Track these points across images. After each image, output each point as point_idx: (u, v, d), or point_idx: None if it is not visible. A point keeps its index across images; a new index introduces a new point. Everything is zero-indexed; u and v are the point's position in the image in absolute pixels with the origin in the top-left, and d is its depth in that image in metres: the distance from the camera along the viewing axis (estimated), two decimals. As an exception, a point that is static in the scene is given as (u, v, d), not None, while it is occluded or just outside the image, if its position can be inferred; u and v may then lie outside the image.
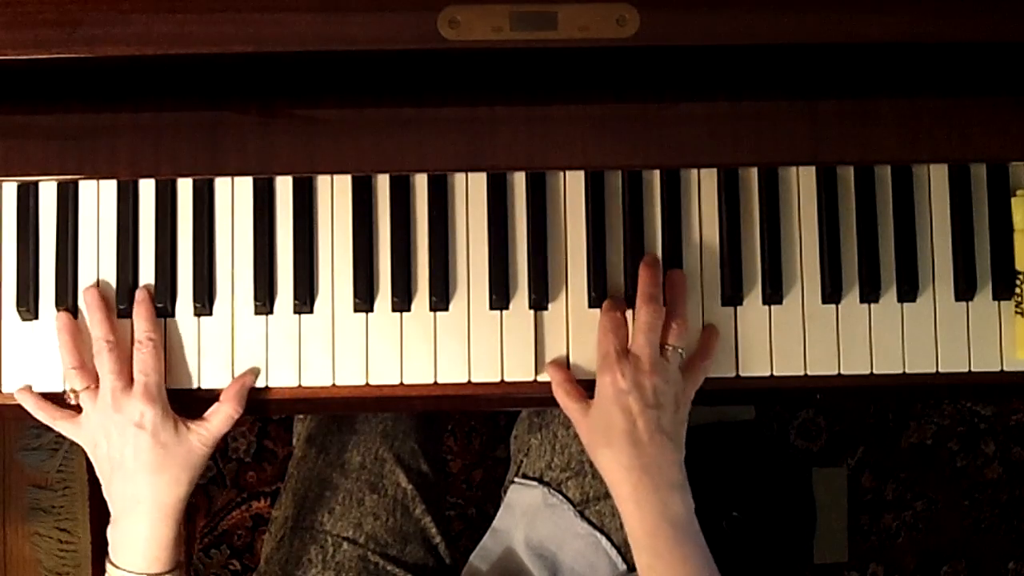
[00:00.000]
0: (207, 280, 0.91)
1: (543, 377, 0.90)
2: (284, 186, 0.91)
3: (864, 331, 0.91)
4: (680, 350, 0.87)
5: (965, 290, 0.91)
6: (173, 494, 0.86)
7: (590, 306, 0.91)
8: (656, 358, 0.84)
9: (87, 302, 0.89)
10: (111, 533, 0.88)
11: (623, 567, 0.99)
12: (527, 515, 1.03)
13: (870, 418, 1.72)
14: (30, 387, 0.90)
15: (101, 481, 0.88)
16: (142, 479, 0.85)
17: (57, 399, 0.90)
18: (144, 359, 0.87)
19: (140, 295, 0.90)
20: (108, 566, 0.87)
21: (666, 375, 0.84)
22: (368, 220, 0.91)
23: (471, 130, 0.89)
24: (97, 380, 0.87)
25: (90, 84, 0.88)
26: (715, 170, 0.92)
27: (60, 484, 1.61)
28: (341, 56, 0.85)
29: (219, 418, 0.88)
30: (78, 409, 0.88)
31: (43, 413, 0.89)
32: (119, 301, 0.90)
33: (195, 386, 0.90)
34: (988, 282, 0.92)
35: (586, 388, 0.88)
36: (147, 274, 0.91)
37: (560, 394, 0.88)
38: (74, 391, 0.88)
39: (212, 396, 0.89)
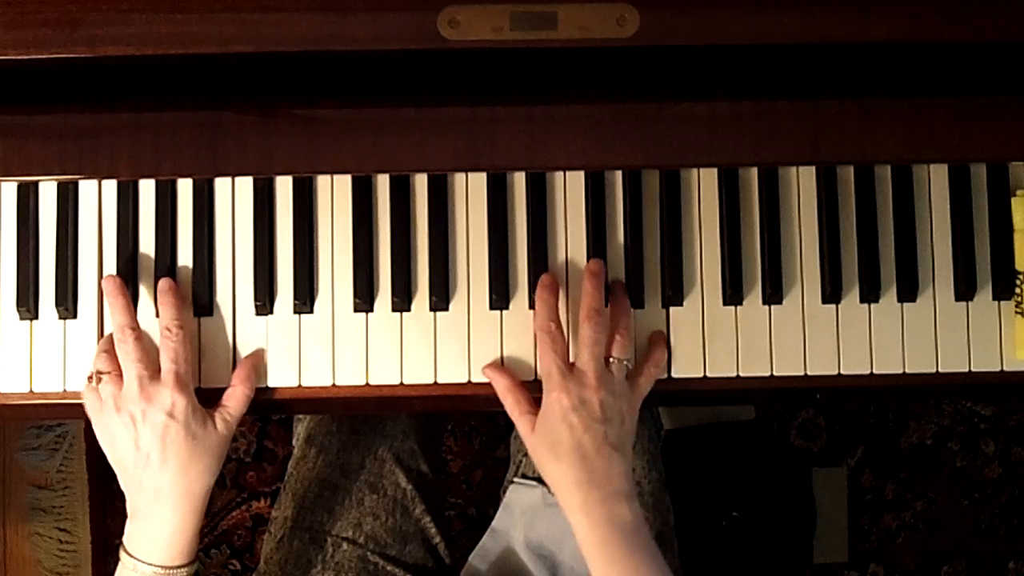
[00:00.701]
0: (207, 280, 0.90)
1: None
2: (284, 186, 0.91)
3: (864, 331, 0.91)
4: (625, 362, 0.86)
5: (965, 290, 0.91)
6: (203, 483, 0.85)
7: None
8: (601, 372, 0.84)
9: (108, 290, 0.88)
10: (131, 526, 0.86)
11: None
12: (526, 515, 1.03)
13: (870, 418, 1.72)
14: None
15: (118, 472, 0.87)
16: (171, 470, 0.84)
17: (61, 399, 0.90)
18: (173, 347, 0.86)
19: (164, 285, 0.89)
20: (124, 557, 0.86)
21: (612, 388, 0.84)
22: (368, 220, 0.91)
23: (471, 130, 0.89)
24: (118, 367, 0.86)
25: (90, 84, 0.88)
26: (715, 170, 0.92)
27: (60, 484, 1.61)
28: (341, 56, 0.85)
29: (235, 400, 0.87)
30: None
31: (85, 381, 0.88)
32: (119, 301, 0.90)
33: (196, 385, 0.90)
34: (988, 282, 0.92)
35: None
36: (147, 274, 0.91)
37: (509, 402, 0.87)
38: (99, 374, 0.86)
39: (213, 395, 0.89)
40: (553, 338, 0.86)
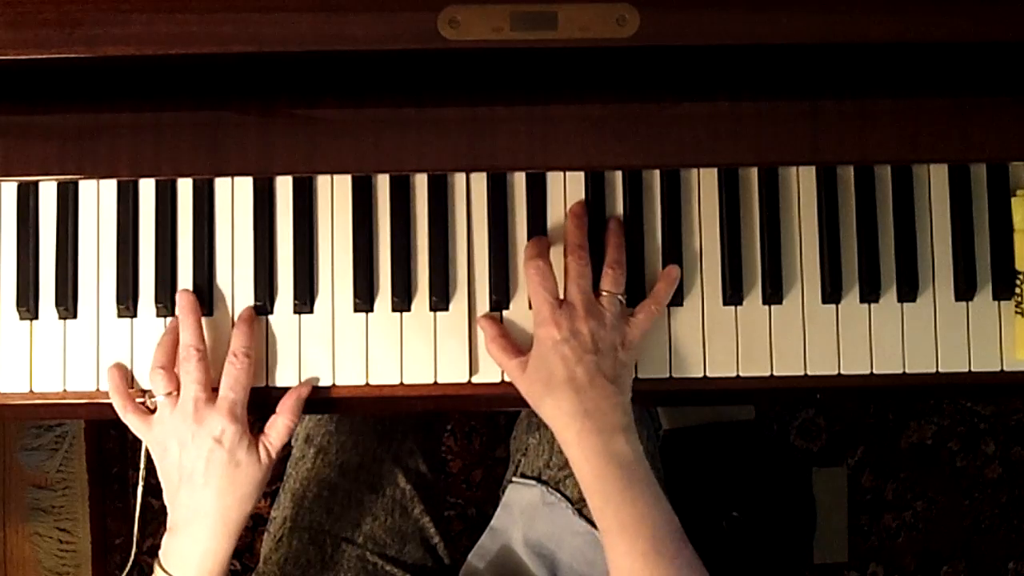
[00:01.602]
0: (207, 280, 0.90)
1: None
2: (284, 186, 0.91)
3: (864, 331, 0.91)
4: (619, 296, 0.87)
5: (965, 290, 0.91)
6: (240, 511, 0.86)
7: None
8: (590, 304, 0.85)
9: (181, 306, 0.88)
10: (168, 541, 0.87)
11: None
12: (525, 514, 1.03)
13: (870, 418, 1.72)
14: (121, 366, 0.89)
15: (164, 485, 0.87)
16: (211, 494, 0.85)
17: (63, 399, 0.90)
18: (236, 375, 0.86)
19: (246, 312, 0.89)
20: (158, 570, 0.86)
21: (602, 320, 0.85)
22: (368, 220, 0.91)
23: (471, 130, 0.89)
24: (178, 385, 0.86)
25: (90, 84, 0.88)
26: (715, 170, 0.92)
27: (60, 484, 1.61)
28: (341, 56, 0.85)
29: (277, 431, 0.88)
30: (151, 410, 0.87)
31: (119, 399, 0.88)
32: (119, 301, 0.90)
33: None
34: (988, 282, 0.92)
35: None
36: (147, 274, 0.91)
37: (494, 349, 0.88)
38: (153, 393, 0.87)
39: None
40: (543, 274, 0.86)
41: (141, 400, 0.88)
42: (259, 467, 0.86)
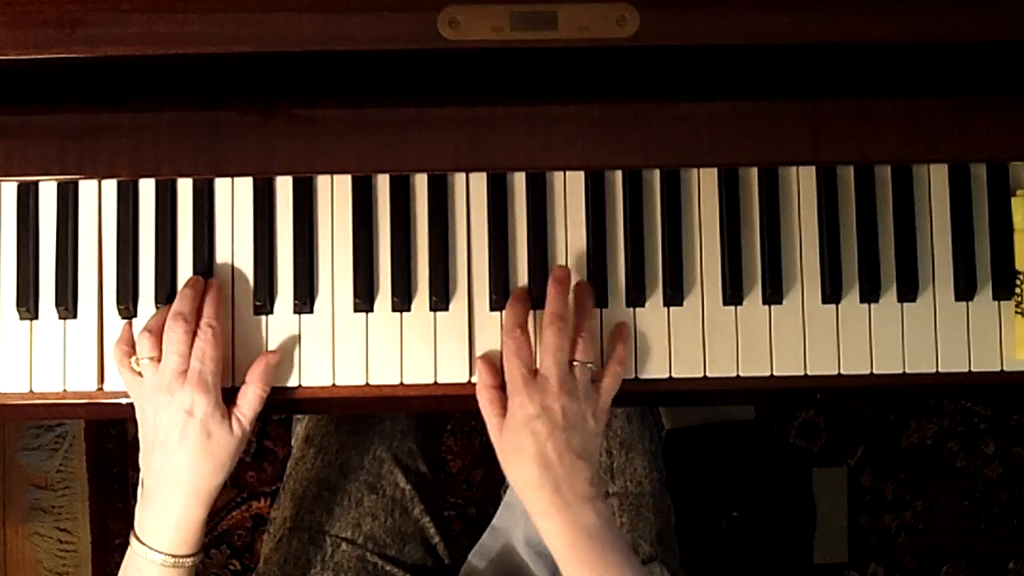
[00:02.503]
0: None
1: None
2: (284, 186, 0.91)
3: (864, 331, 0.91)
4: (589, 364, 0.86)
5: (965, 290, 0.91)
6: (213, 481, 0.86)
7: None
8: (564, 378, 0.84)
9: (188, 281, 0.89)
10: (140, 509, 0.87)
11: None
12: (526, 513, 1.03)
13: (870, 418, 1.72)
14: (132, 324, 0.90)
15: (141, 447, 0.87)
16: (183, 462, 0.85)
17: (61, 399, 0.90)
18: (201, 346, 0.86)
19: (214, 282, 0.90)
20: (133, 541, 0.86)
21: (575, 394, 0.84)
22: (368, 220, 0.91)
23: (471, 130, 0.89)
24: (160, 352, 0.86)
25: (90, 84, 0.88)
26: (715, 170, 0.92)
27: (60, 484, 1.61)
28: (341, 56, 0.85)
29: (249, 400, 0.88)
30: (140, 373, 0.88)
31: (118, 352, 0.88)
32: (119, 301, 0.90)
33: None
34: (988, 282, 0.92)
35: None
36: (147, 274, 0.91)
37: (484, 399, 0.87)
38: (140, 357, 0.87)
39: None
40: (518, 343, 0.86)
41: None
42: (232, 438, 0.86)
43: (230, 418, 0.86)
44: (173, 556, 0.85)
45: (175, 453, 0.85)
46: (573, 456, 0.83)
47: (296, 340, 0.90)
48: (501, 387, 0.88)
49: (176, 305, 0.87)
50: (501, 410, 0.86)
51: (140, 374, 0.87)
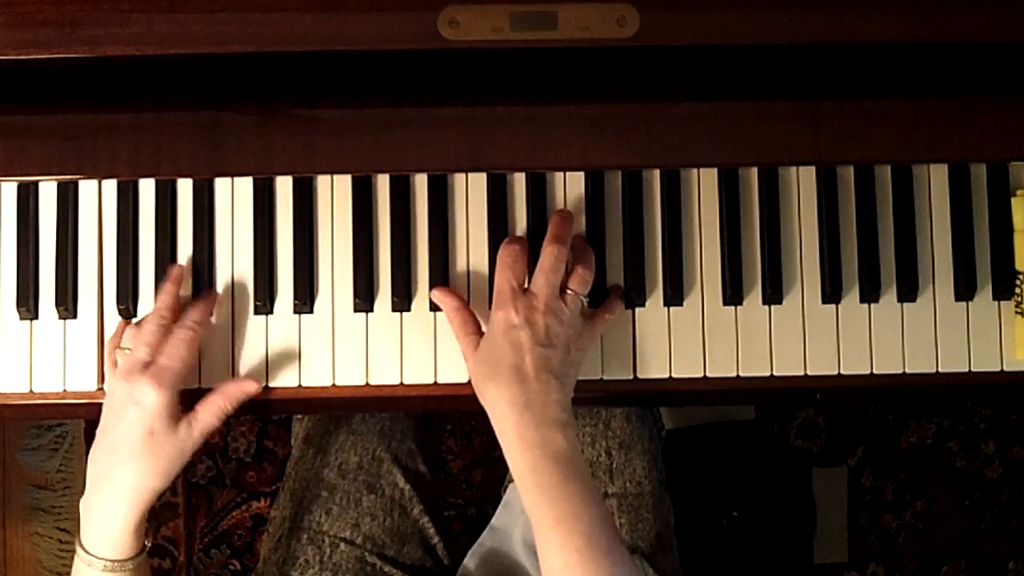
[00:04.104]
0: (207, 280, 0.90)
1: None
2: (284, 186, 0.91)
3: (864, 331, 0.92)
4: (582, 297, 0.86)
5: (965, 290, 0.91)
6: (145, 483, 0.84)
7: (589, 306, 0.91)
8: (552, 298, 0.84)
9: (170, 273, 0.89)
10: (82, 509, 0.86)
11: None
12: (526, 513, 1.03)
13: (870, 418, 1.72)
14: (128, 323, 0.90)
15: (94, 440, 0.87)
16: (119, 458, 0.84)
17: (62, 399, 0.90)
18: (176, 344, 0.85)
19: (211, 292, 0.90)
20: (77, 547, 0.86)
21: (561, 316, 0.84)
22: (368, 220, 0.91)
23: (471, 130, 0.89)
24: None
25: (90, 84, 0.88)
26: (715, 170, 0.92)
27: (60, 484, 1.61)
28: (341, 56, 0.85)
29: (209, 408, 0.87)
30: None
31: (109, 346, 0.89)
32: (119, 301, 0.90)
33: (196, 385, 0.90)
34: (988, 282, 0.92)
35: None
36: (147, 274, 0.91)
37: (456, 321, 0.88)
38: (121, 347, 0.87)
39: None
40: (514, 256, 0.86)
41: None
42: (175, 441, 0.84)
43: (179, 421, 0.85)
44: (112, 561, 0.84)
45: (112, 447, 0.84)
46: (549, 375, 0.82)
47: (296, 340, 0.90)
48: (467, 307, 0.88)
49: (158, 300, 0.88)
50: (475, 329, 0.87)
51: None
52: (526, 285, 0.86)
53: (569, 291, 0.86)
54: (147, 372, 0.84)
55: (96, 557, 0.85)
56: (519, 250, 0.87)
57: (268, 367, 0.90)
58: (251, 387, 0.89)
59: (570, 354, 0.85)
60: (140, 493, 0.84)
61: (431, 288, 0.90)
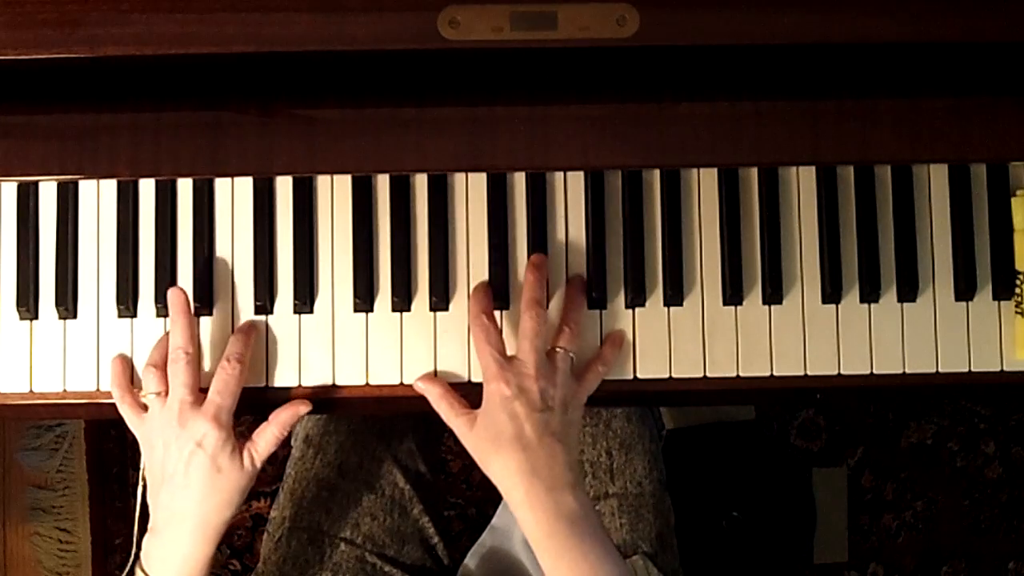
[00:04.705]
0: (207, 280, 0.90)
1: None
2: (284, 186, 0.91)
3: (864, 331, 0.91)
4: (571, 354, 0.86)
5: (965, 290, 0.91)
6: (221, 516, 0.85)
7: (589, 307, 0.91)
8: (541, 362, 0.84)
9: (172, 304, 0.88)
10: (148, 541, 0.87)
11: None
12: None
13: (870, 418, 1.72)
14: (125, 358, 0.89)
15: (148, 484, 0.87)
16: (192, 497, 0.84)
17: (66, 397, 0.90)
18: (226, 379, 0.86)
19: (246, 324, 0.90)
20: (139, 572, 0.86)
21: (553, 378, 0.84)
22: (368, 220, 0.91)
23: (471, 130, 0.89)
24: (167, 386, 0.86)
25: (90, 84, 0.88)
26: (715, 170, 0.92)
27: (60, 484, 1.61)
28: (341, 56, 0.85)
29: (266, 439, 0.88)
30: (145, 407, 0.88)
31: (117, 390, 0.88)
32: (119, 301, 0.90)
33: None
34: (988, 282, 0.92)
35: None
36: (147, 274, 0.91)
37: (443, 408, 0.87)
38: (144, 393, 0.87)
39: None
40: (487, 330, 0.86)
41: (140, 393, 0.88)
42: (241, 473, 0.86)
43: (241, 453, 0.86)
44: None
45: (182, 488, 0.84)
46: (552, 439, 0.82)
47: (296, 340, 0.90)
48: (450, 390, 0.88)
49: (174, 339, 0.87)
50: (462, 408, 0.86)
51: (144, 408, 0.87)
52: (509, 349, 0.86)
53: (558, 350, 0.86)
54: (202, 412, 0.84)
55: None
56: (487, 322, 0.86)
57: (268, 367, 0.90)
58: (303, 408, 0.89)
59: (567, 413, 0.85)
60: (216, 527, 0.85)
61: (431, 291, 0.90)
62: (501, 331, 0.87)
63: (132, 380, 0.89)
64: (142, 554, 0.87)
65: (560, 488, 0.81)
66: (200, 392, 0.86)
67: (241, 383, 0.87)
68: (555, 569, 0.81)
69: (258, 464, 0.87)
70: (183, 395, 0.85)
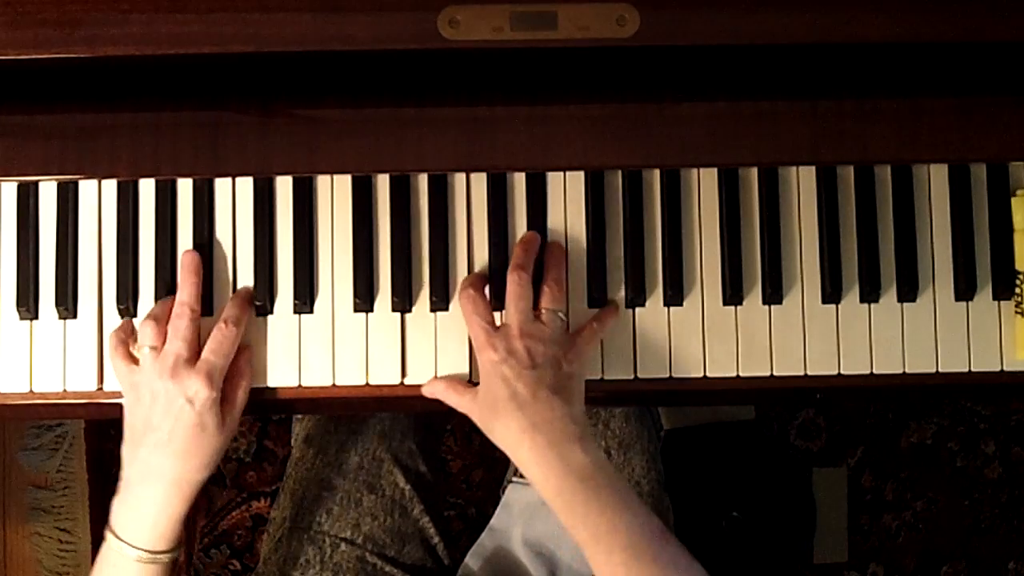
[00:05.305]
0: (206, 280, 0.90)
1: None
2: (284, 186, 0.91)
3: (864, 331, 0.92)
4: (559, 313, 0.87)
5: (965, 290, 0.91)
6: (197, 476, 0.86)
7: (589, 306, 0.91)
8: (526, 323, 0.85)
9: (184, 264, 0.89)
10: (118, 502, 0.86)
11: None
12: (525, 513, 1.03)
13: (870, 418, 1.72)
14: (131, 322, 0.90)
15: (126, 435, 0.87)
16: (171, 453, 0.84)
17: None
18: (221, 340, 0.86)
19: (243, 290, 0.90)
20: (109, 535, 0.85)
21: (540, 336, 0.85)
22: (368, 220, 0.91)
23: (471, 130, 0.89)
24: (165, 341, 0.86)
25: (90, 84, 0.89)
26: (715, 170, 0.92)
27: (60, 484, 1.61)
28: (341, 56, 0.85)
29: (241, 393, 0.88)
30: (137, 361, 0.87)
31: (114, 338, 0.88)
32: (119, 301, 0.90)
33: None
34: (988, 282, 0.92)
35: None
36: (147, 274, 0.91)
37: (451, 397, 0.88)
38: (139, 345, 0.87)
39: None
40: (474, 301, 0.87)
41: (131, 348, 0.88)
42: (221, 434, 0.86)
43: (224, 417, 0.86)
44: (150, 552, 0.84)
45: (164, 444, 0.84)
46: (548, 392, 0.82)
47: (296, 340, 0.90)
48: (452, 379, 0.89)
49: (181, 295, 0.87)
50: (464, 388, 0.87)
51: (135, 361, 0.87)
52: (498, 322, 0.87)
53: (543, 310, 0.86)
54: (195, 369, 0.85)
55: (138, 548, 0.84)
56: (475, 293, 0.87)
57: (268, 367, 0.90)
58: (249, 352, 0.89)
59: (562, 368, 0.85)
60: (192, 486, 0.86)
61: (431, 291, 0.90)
62: (490, 303, 0.88)
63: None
64: (111, 517, 0.86)
65: (564, 442, 0.81)
66: (196, 354, 0.86)
67: (235, 346, 0.87)
68: (573, 527, 0.80)
69: (234, 425, 0.87)
70: (180, 349, 0.85)
